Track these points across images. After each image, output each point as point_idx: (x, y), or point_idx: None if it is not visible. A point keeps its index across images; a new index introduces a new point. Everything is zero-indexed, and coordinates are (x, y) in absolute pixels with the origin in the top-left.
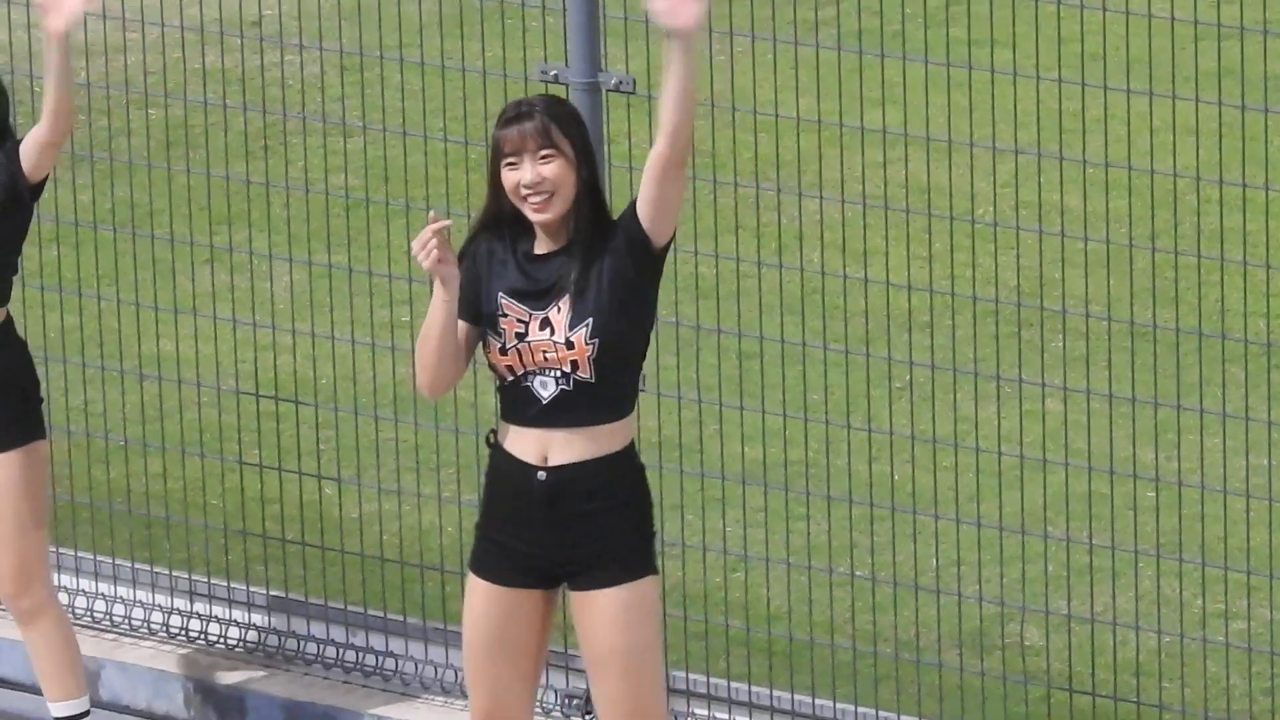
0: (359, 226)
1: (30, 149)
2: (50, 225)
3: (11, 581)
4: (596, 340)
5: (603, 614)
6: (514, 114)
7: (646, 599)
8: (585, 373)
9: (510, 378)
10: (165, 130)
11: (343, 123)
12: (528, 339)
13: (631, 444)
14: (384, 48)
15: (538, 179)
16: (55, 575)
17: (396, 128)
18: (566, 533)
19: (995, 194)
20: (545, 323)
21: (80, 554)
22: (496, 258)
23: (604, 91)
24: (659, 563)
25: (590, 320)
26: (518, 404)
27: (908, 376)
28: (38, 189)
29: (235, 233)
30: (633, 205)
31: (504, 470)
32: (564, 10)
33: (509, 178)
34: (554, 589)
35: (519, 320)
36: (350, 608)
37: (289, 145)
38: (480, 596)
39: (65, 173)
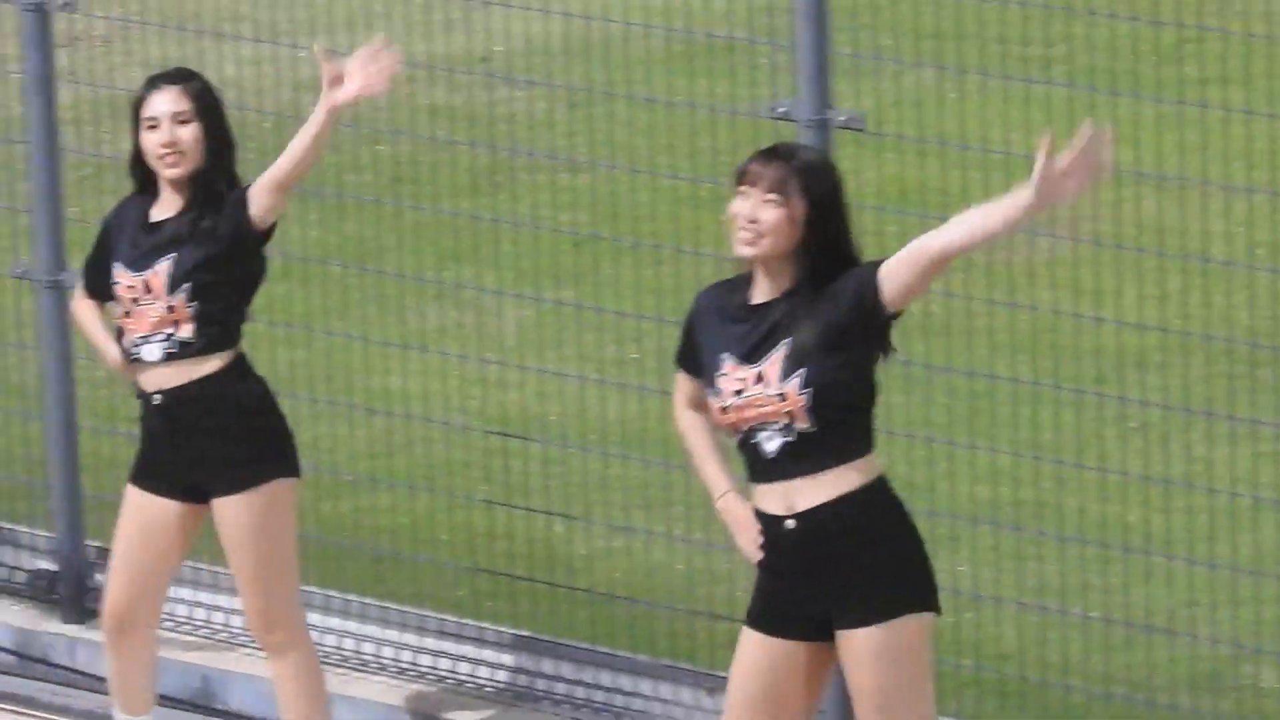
0: (587, 263)
1: (260, 193)
2: (280, 261)
3: (259, 620)
4: (810, 390)
5: (860, 652)
6: (766, 151)
7: (906, 637)
8: (804, 423)
9: (738, 435)
10: (394, 166)
11: (571, 159)
12: (745, 394)
13: (878, 480)
14: (613, 84)
15: (753, 217)
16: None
17: (625, 164)
18: (824, 576)
19: (1229, 233)
20: (760, 377)
21: (310, 589)
22: (716, 315)
23: (832, 128)
24: (931, 599)
25: (803, 371)
26: (751, 460)
27: (1140, 417)
28: (265, 235)
29: (464, 269)
30: (876, 268)
31: (762, 526)
32: (794, 47)
33: (736, 205)
34: (826, 642)
35: (737, 379)
36: (579, 644)
37: (518, 181)
38: (749, 646)
39: (295, 209)
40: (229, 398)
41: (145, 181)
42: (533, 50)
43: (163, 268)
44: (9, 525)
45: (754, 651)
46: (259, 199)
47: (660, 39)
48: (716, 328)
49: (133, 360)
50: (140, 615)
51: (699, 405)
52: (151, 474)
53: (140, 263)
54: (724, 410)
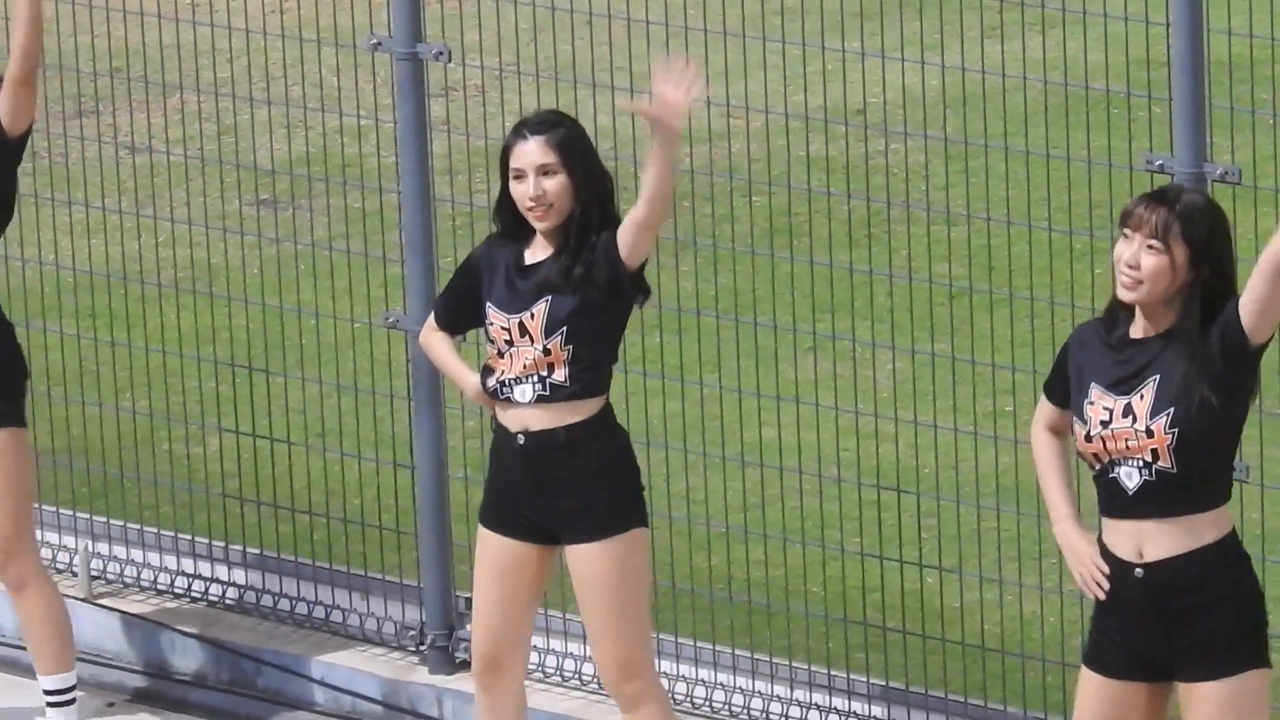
0: (962, 316)
1: (625, 236)
2: (653, 312)
3: (615, 671)
4: (1176, 430)
5: (1205, 704)
6: (1152, 195)
7: (1251, 691)
8: (1166, 462)
9: (1097, 466)
10: (769, 217)
11: (947, 211)
12: (1111, 426)
13: (1230, 534)
14: (990, 136)
15: (1134, 262)
16: (656, 661)
17: (1001, 217)
18: (1168, 627)
19: None
20: (1128, 409)
21: (681, 640)
22: (1092, 344)
23: (1209, 182)
24: (1268, 653)
25: (1171, 410)
26: (1108, 494)
27: None
28: (637, 276)
29: (839, 320)
30: (1236, 302)
31: (1110, 568)
32: (1171, 100)
33: (1120, 248)
34: (1166, 683)
35: (1104, 408)
36: (951, 697)
37: (893, 233)
38: (1090, 688)
39: (668, 259)
40: (595, 446)
41: (513, 225)
42: (910, 101)
43: (539, 311)
44: (378, 575)
45: (1095, 693)
46: (625, 241)
47: (1037, 91)
48: (1091, 357)
49: (503, 399)
50: (506, 658)
51: (1058, 431)
52: (503, 515)
53: (515, 305)
54: (1088, 438)
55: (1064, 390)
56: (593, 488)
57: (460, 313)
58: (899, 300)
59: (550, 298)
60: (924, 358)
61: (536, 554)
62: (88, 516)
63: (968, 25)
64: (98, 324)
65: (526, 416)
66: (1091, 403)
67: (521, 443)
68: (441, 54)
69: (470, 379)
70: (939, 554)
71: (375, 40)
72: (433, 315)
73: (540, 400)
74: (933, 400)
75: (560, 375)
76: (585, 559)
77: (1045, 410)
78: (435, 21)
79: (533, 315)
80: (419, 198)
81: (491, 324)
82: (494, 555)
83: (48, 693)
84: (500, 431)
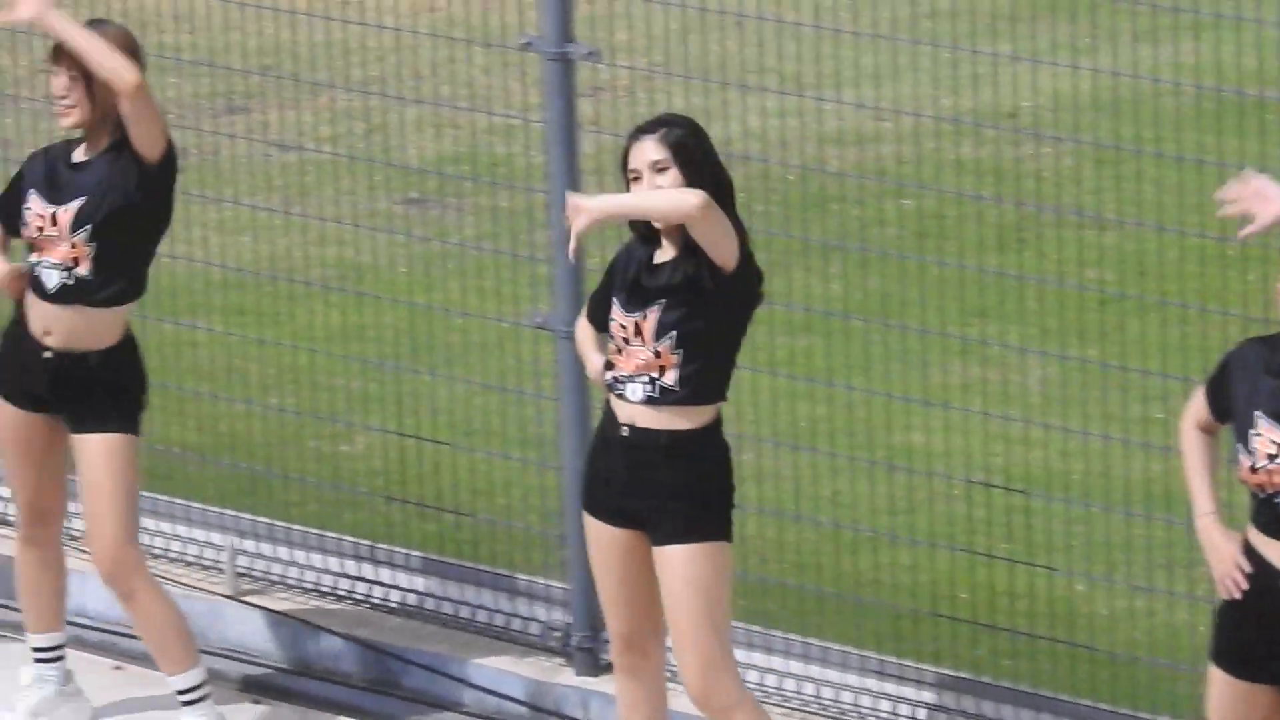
0: (1112, 321)
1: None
2: (801, 315)
3: (699, 679)
4: None
5: None
6: None
7: None
8: None
9: (1261, 494)
10: (919, 221)
11: (1098, 216)
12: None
13: None
14: (1141, 141)
15: None
16: (804, 665)
17: (1152, 222)
18: None
19: None
20: None
21: (828, 645)
22: (1256, 368)
23: None
24: None
25: None
26: (1268, 517)
27: None
28: (743, 281)
29: (987, 325)
30: None
31: (1255, 569)
32: None
33: None
34: None
35: (1273, 441)
36: (1099, 705)
37: (1044, 238)
38: (1219, 686)
39: (817, 262)
40: (699, 454)
41: (642, 227)
42: (1061, 106)
43: (652, 314)
44: (524, 576)
45: (1223, 690)
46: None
47: (1190, 96)
48: (1255, 382)
49: (616, 394)
50: (644, 640)
51: (1208, 430)
52: (601, 502)
53: (634, 305)
54: (1254, 469)
55: (1222, 404)
56: (689, 494)
57: (604, 309)
58: (1048, 305)
59: (664, 301)
60: (1073, 363)
61: (632, 540)
62: (234, 514)
63: (1120, 29)
64: (246, 321)
65: (636, 413)
66: (1259, 434)
67: (625, 434)
68: (591, 54)
69: (596, 363)
70: (1088, 561)
71: (525, 40)
72: (586, 306)
73: (651, 402)
74: (1082, 406)
75: (670, 379)
76: (672, 559)
77: (1199, 409)
78: (585, 21)
79: (646, 317)
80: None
81: (612, 320)
82: (598, 541)
83: (180, 692)
84: (608, 418)
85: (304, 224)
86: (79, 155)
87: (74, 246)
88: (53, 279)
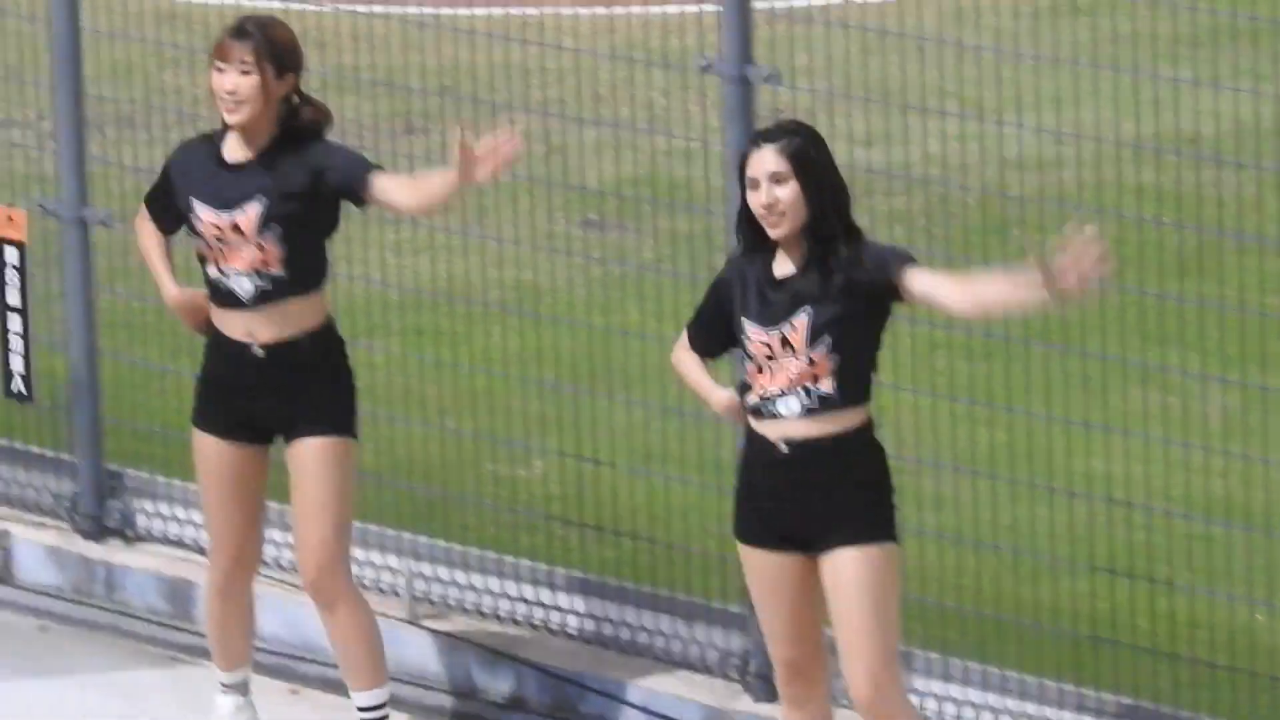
0: None
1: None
2: (982, 340)
3: (867, 682)
4: None
5: None
6: None
7: None
8: None
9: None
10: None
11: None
12: None
13: None
14: None
15: None
16: (983, 693)
17: None
18: None
19: None
20: None
21: (1008, 673)
22: None
23: None
24: None
25: None
26: None
27: None
28: (895, 288)
29: (1168, 352)
30: None
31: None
32: None
33: None
34: None
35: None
36: None
37: (1224, 265)
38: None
39: None
40: (864, 456)
41: (754, 239)
42: (1242, 131)
43: (800, 323)
44: (701, 600)
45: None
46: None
47: None
48: None
49: (767, 415)
50: (811, 667)
51: None
52: (762, 531)
53: (773, 319)
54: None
55: None
56: (855, 497)
57: (713, 334)
58: (1229, 332)
59: (811, 307)
60: (1254, 391)
61: (798, 566)
62: (411, 537)
63: None
64: (424, 343)
65: (791, 428)
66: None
67: (785, 452)
68: (771, 77)
69: (721, 394)
70: (1270, 590)
71: (705, 62)
72: (685, 335)
73: (809, 413)
74: (1263, 434)
75: (827, 385)
76: (842, 562)
77: None
78: (765, 44)
79: (794, 328)
80: None
81: (748, 340)
82: (761, 571)
83: (361, 709)
84: (756, 444)
85: (482, 246)
86: (234, 155)
87: (261, 249)
88: (246, 287)
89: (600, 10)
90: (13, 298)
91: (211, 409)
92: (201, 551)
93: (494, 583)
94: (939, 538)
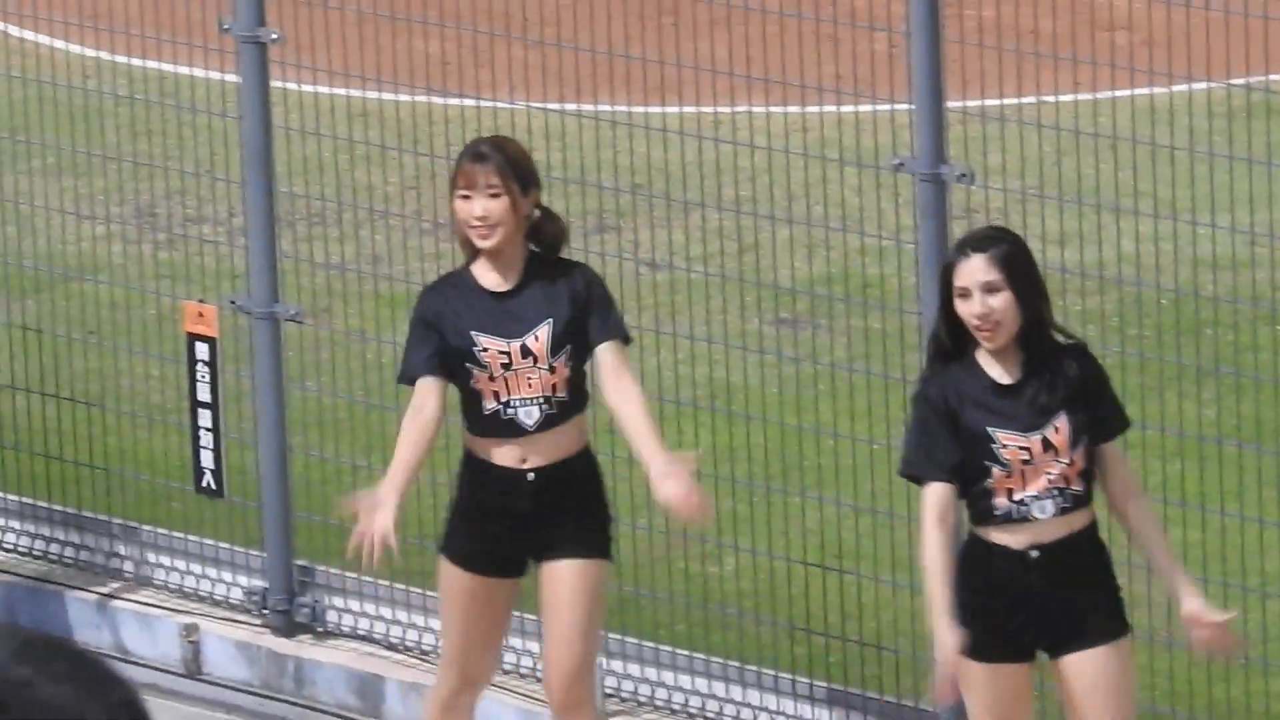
0: None
1: None
2: (1175, 439)
3: None
4: None
5: None
6: None
7: None
8: None
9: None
10: None
11: None
12: None
13: None
14: None
15: None
16: None
17: None
18: None
19: None
20: None
21: None
22: None
23: None
24: None
25: None
26: None
27: None
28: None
29: None
30: None
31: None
32: None
33: None
34: None
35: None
36: None
37: None
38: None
39: (1190, 387)
40: (1099, 550)
41: (952, 348)
42: None
43: (1062, 426)
44: (893, 698)
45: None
46: None
47: None
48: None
49: (1018, 520)
50: None
51: None
52: (1002, 643)
53: (1027, 425)
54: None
55: None
56: (1104, 590)
57: (952, 453)
58: None
59: (1068, 411)
60: None
61: (1027, 673)
62: (602, 633)
63: None
64: (616, 441)
65: (1043, 530)
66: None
67: (1035, 557)
68: (964, 176)
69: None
70: None
71: (898, 161)
72: (933, 495)
73: (1062, 512)
74: None
75: (1079, 484)
76: (1095, 662)
77: None
78: (958, 143)
79: (1056, 430)
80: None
81: (1002, 448)
82: (992, 681)
83: None
84: (996, 555)
85: (674, 342)
86: (497, 282)
87: (553, 371)
88: (533, 414)
89: (793, 108)
90: (204, 393)
91: (468, 541)
92: (391, 647)
93: (684, 680)
94: (1134, 638)
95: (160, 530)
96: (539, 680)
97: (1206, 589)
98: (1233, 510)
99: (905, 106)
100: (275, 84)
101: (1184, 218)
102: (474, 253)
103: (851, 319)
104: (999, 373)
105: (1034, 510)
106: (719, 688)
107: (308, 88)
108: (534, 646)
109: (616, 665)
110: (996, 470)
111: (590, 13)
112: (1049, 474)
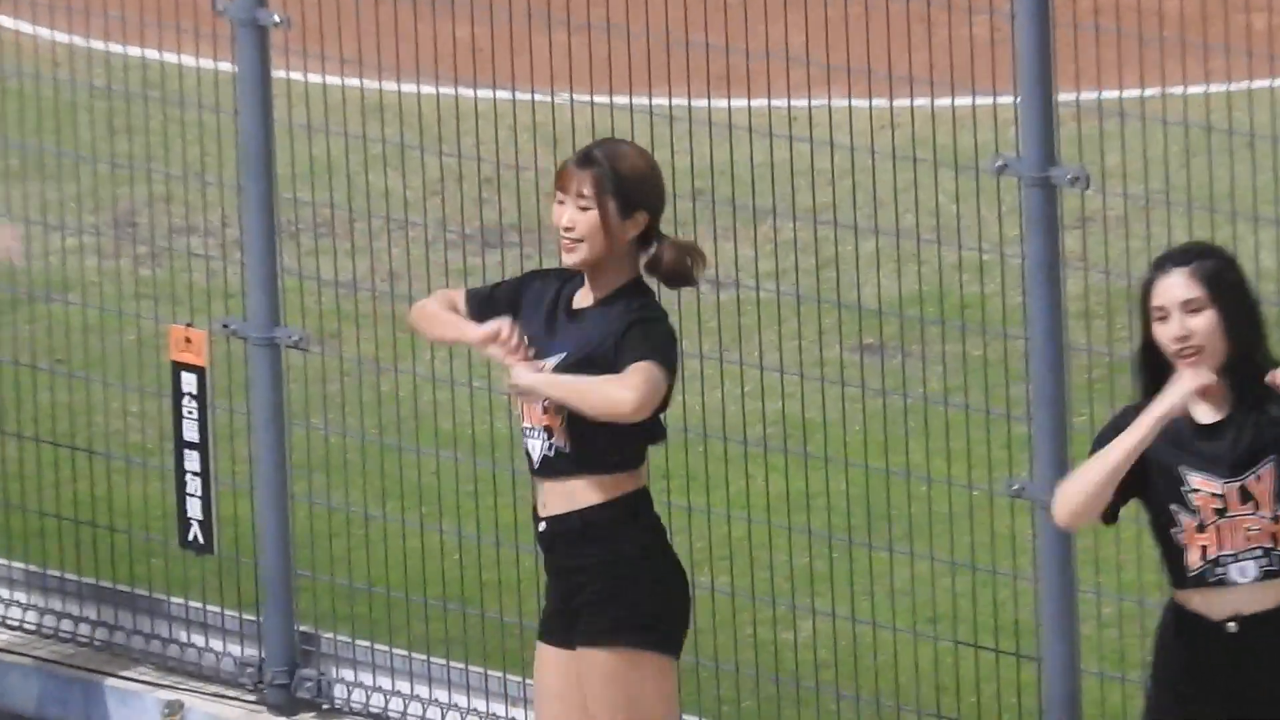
0: None
1: None
2: None
3: None
4: None
5: None
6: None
7: None
8: None
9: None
10: None
11: None
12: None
13: None
14: None
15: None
16: None
17: None
18: None
19: None
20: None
21: None
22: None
23: None
24: None
25: None
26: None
27: None
28: None
29: None
30: None
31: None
32: None
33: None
34: None
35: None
36: None
37: None
38: None
39: None
40: None
41: (1154, 383)
42: None
43: (1267, 475)
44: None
45: None
46: None
47: None
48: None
49: (1212, 581)
50: None
51: None
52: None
53: (1228, 470)
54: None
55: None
56: None
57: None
58: None
59: (1275, 459)
60: None
61: None
62: None
63: None
64: (674, 487)
65: (1241, 599)
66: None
67: (1232, 630)
68: (1078, 179)
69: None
70: None
71: (1001, 162)
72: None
73: (1267, 576)
74: None
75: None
76: None
77: None
78: (1071, 142)
79: (1259, 478)
80: (1049, 344)
81: (1194, 492)
82: None
83: None
84: (1184, 622)
85: (741, 373)
86: (580, 298)
87: (545, 411)
88: (536, 449)
89: (880, 102)
90: (190, 432)
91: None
92: None
93: None
94: None
95: (139, 591)
96: None
97: None
98: None
99: (1009, 100)
100: (277, 74)
101: None
102: None
103: (947, 344)
104: (1200, 409)
105: (1232, 572)
106: None
107: (314, 78)
108: None
109: None
110: (1185, 518)
111: None
112: (1249, 530)
